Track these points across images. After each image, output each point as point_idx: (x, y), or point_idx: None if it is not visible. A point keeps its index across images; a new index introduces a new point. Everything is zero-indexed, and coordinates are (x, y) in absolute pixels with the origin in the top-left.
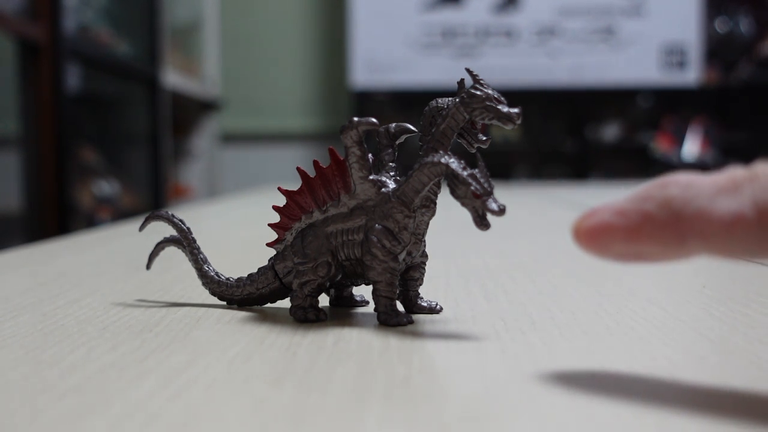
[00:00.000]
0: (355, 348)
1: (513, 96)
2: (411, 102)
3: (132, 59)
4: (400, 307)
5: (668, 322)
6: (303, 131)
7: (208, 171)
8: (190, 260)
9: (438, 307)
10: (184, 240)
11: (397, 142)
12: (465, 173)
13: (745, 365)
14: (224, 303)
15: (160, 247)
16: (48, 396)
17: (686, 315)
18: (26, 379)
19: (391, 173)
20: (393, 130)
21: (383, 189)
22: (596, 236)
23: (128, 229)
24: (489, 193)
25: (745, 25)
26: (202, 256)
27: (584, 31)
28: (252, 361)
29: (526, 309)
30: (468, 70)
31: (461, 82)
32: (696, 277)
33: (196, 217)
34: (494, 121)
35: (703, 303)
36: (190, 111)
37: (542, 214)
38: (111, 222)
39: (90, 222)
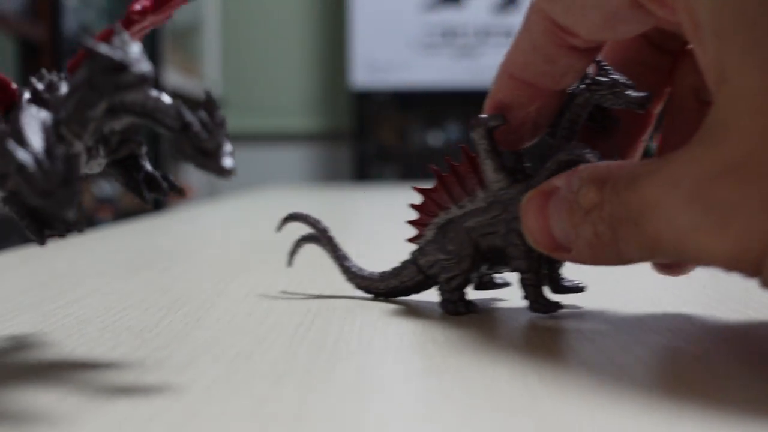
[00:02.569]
0: (355, 347)
1: None
2: (411, 102)
3: None
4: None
5: (669, 322)
6: (303, 131)
7: None
8: (331, 257)
9: (582, 285)
10: (323, 239)
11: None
12: (598, 162)
13: (746, 365)
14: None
15: (299, 244)
16: (48, 396)
17: (688, 315)
18: (26, 378)
19: (526, 165)
20: None
21: (517, 181)
22: None
23: (128, 229)
24: None
25: None
26: (342, 253)
27: None
28: (252, 361)
29: (526, 308)
30: (595, 60)
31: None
32: (696, 277)
33: (196, 217)
34: (622, 107)
35: (703, 303)
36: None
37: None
38: (111, 222)
39: (90, 222)
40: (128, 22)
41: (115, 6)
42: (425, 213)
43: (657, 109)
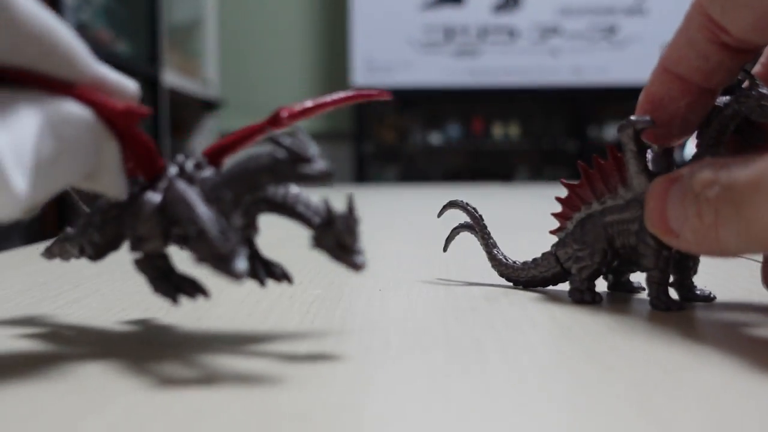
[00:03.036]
0: (355, 348)
1: (514, 96)
2: (411, 102)
3: (131, 59)
4: (674, 295)
5: (670, 322)
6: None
7: None
8: (481, 244)
9: (712, 295)
10: (477, 226)
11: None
12: None
13: (745, 366)
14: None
15: (455, 232)
16: (48, 396)
17: (687, 314)
18: (26, 378)
19: (668, 168)
20: None
21: None
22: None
23: None
24: None
25: None
26: (492, 241)
27: (585, 31)
28: (252, 360)
29: (526, 308)
30: (744, 70)
31: (738, 81)
32: (696, 278)
33: None
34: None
35: (703, 303)
36: (190, 111)
37: (544, 214)
38: None
39: None
40: (275, 123)
41: (115, 6)
42: (569, 207)
43: None
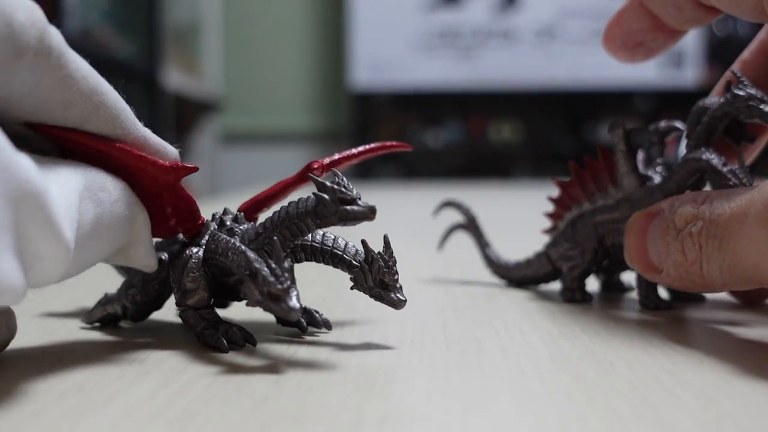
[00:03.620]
0: (355, 347)
1: (513, 97)
2: (411, 102)
3: (133, 60)
4: (663, 294)
5: (668, 322)
6: (304, 131)
7: (209, 170)
8: (475, 244)
9: (701, 295)
10: (471, 226)
11: (666, 139)
12: (725, 169)
13: (745, 365)
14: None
15: (450, 231)
16: (48, 396)
17: (686, 314)
18: (26, 378)
19: (658, 168)
20: (662, 128)
21: (648, 183)
22: (605, 33)
23: None
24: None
25: (743, 26)
26: (484, 241)
27: (583, 32)
28: (253, 360)
29: (525, 307)
30: (733, 72)
31: (728, 83)
32: None
33: None
34: (755, 120)
35: (693, 302)
36: (192, 111)
37: (541, 213)
38: None
39: None
40: (306, 171)
41: (117, 7)
42: (561, 206)
43: None
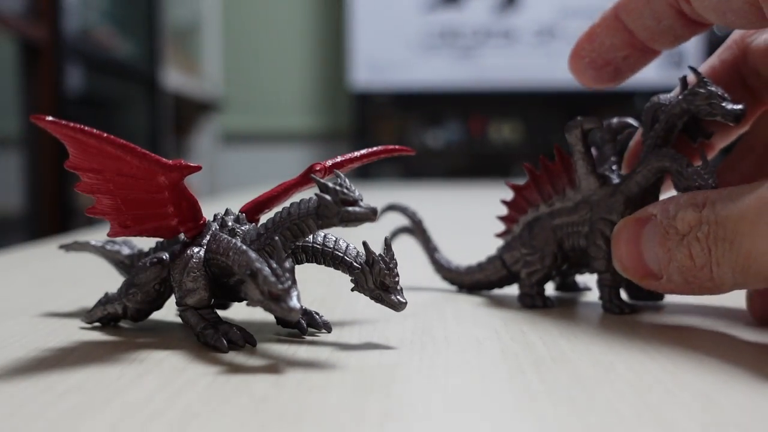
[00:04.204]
0: (355, 347)
1: (513, 97)
2: (411, 102)
3: (133, 60)
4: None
5: (669, 322)
6: (304, 131)
7: (209, 170)
8: (423, 248)
9: (659, 297)
10: (417, 230)
11: (619, 137)
12: (689, 170)
13: (745, 366)
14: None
15: (395, 235)
16: (48, 396)
17: (686, 314)
18: (26, 378)
19: (613, 167)
20: (615, 126)
21: (607, 184)
22: (573, 51)
23: None
24: (712, 189)
25: None
26: (432, 245)
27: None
28: (252, 360)
29: (526, 308)
30: (691, 68)
31: (684, 78)
32: None
33: None
34: (717, 118)
35: (703, 302)
36: (191, 111)
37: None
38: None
39: (89, 222)
40: (309, 173)
41: (116, 6)
42: (515, 210)
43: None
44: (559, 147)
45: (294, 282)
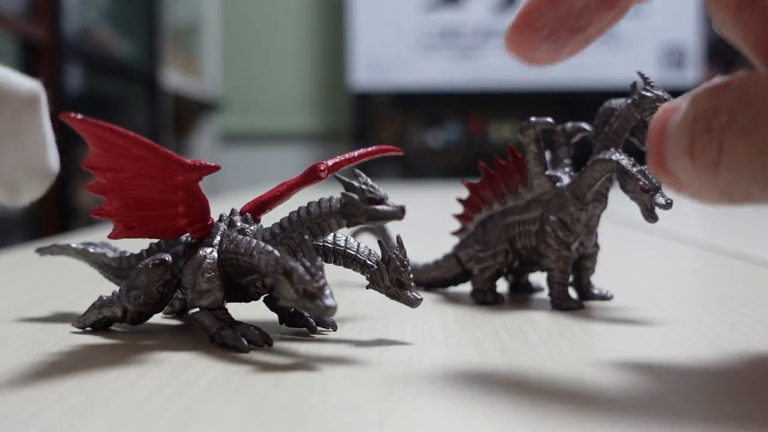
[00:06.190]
0: (355, 347)
1: (513, 97)
2: (411, 102)
3: (133, 59)
4: (573, 294)
5: (668, 322)
6: (304, 131)
7: None
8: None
9: (609, 294)
10: (377, 228)
11: (573, 141)
12: (635, 170)
13: (745, 365)
14: None
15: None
16: (48, 396)
17: (686, 315)
18: (27, 378)
19: (566, 169)
20: (569, 130)
21: (558, 183)
22: (521, 25)
23: None
24: (657, 189)
25: None
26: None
27: None
28: (252, 360)
29: (525, 308)
30: (640, 74)
31: (634, 84)
32: (696, 277)
33: None
34: None
35: (703, 303)
36: (191, 111)
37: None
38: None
39: (90, 222)
40: (312, 177)
41: (116, 6)
42: (470, 208)
43: None
44: (513, 146)
45: (326, 279)
